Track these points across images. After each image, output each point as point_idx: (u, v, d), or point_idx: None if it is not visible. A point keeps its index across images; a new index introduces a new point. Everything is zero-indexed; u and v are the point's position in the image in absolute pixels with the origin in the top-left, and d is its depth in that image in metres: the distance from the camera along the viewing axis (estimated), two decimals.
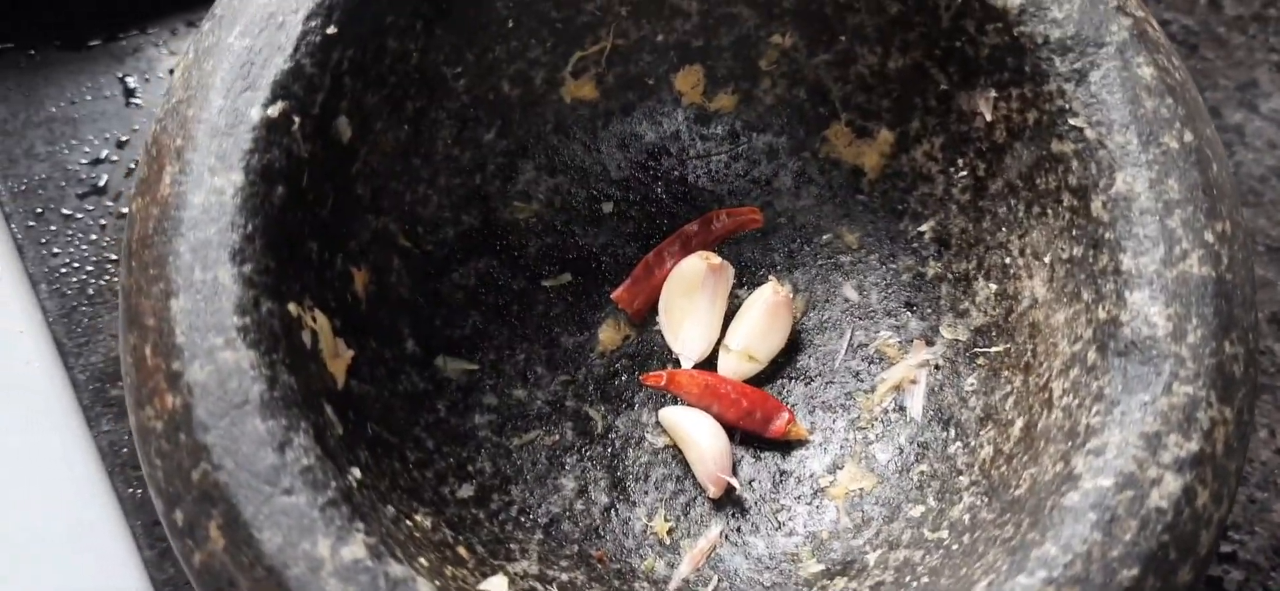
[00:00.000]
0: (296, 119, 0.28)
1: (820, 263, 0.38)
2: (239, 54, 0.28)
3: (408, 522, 0.29)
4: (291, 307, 0.28)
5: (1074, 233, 0.30)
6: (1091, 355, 0.29)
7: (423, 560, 0.28)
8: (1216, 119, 0.49)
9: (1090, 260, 0.30)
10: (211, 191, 0.27)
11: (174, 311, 0.26)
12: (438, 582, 0.27)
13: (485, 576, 0.30)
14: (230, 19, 0.28)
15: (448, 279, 0.36)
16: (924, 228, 0.36)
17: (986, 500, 0.31)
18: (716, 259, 0.36)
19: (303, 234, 0.29)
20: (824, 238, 0.38)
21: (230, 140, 0.27)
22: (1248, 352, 0.28)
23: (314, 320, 0.29)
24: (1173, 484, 0.26)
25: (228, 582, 0.25)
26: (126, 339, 0.27)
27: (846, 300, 0.37)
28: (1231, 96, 0.49)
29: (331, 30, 0.29)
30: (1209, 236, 0.28)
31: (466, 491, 0.33)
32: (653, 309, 0.37)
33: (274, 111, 0.28)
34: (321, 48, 0.28)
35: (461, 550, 0.31)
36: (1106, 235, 0.29)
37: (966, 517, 0.31)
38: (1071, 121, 0.30)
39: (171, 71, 0.47)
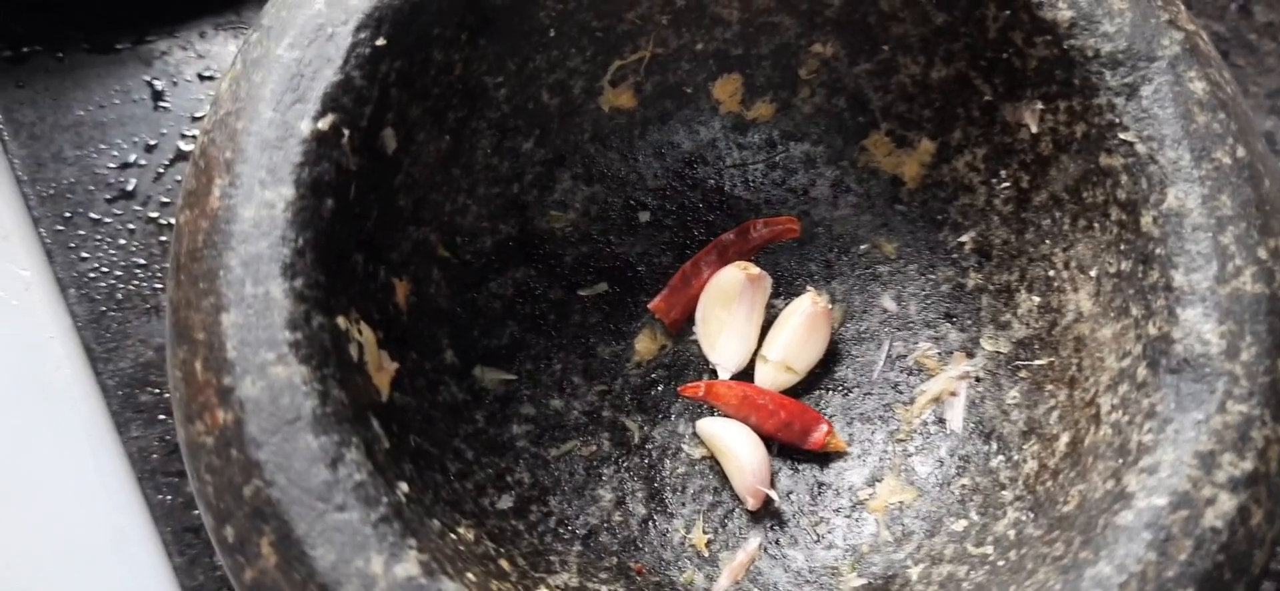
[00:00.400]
0: (346, 131, 0.28)
1: (858, 273, 0.38)
2: (288, 66, 0.28)
3: (452, 536, 0.29)
4: (340, 321, 0.28)
5: (1123, 247, 0.30)
6: (1141, 371, 0.29)
7: (470, 575, 0.27)
8: None
9: (1140, 275, 0.30)
10: (262, 205, 0.27)
11: (225, 326, 0.26)
12: None
13: (528, 590, 0.30)
14: (279, 30, 0.28)
15: (485, 289, 0.36)
16: (964, 238, 0.36)
17: (1032, 516, 0.31)
18: (754, 269, 0.36)
19: (349, 246, 0.29)
20: (862, 247, 0.38)
21: (280, 153, 0.27)
22: None
23: (360, 333, 0.29)
24: (1227, 503, 0.26)
25: None
26: (175, 352, 0.27)
27: (885, 311, 0.37)
28: (1262, 103, 0.49)
29: (381, 42, 0.28)
30: (1262, 253, 0.28)
31: (506, 502, 0.33)
32: (689, 319, 0.37)
33: (324, 124, 0.27)
34: (371, 60, 0.28)
35: (504, 563, 0.30)
36: (1157, 250, 0.29)
37: (1012, 533, 0.31)
38: (1122, 136, 0.30)
39: (201, 76, 0.46)
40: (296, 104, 0.27)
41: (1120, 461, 0.28)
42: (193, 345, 0.26)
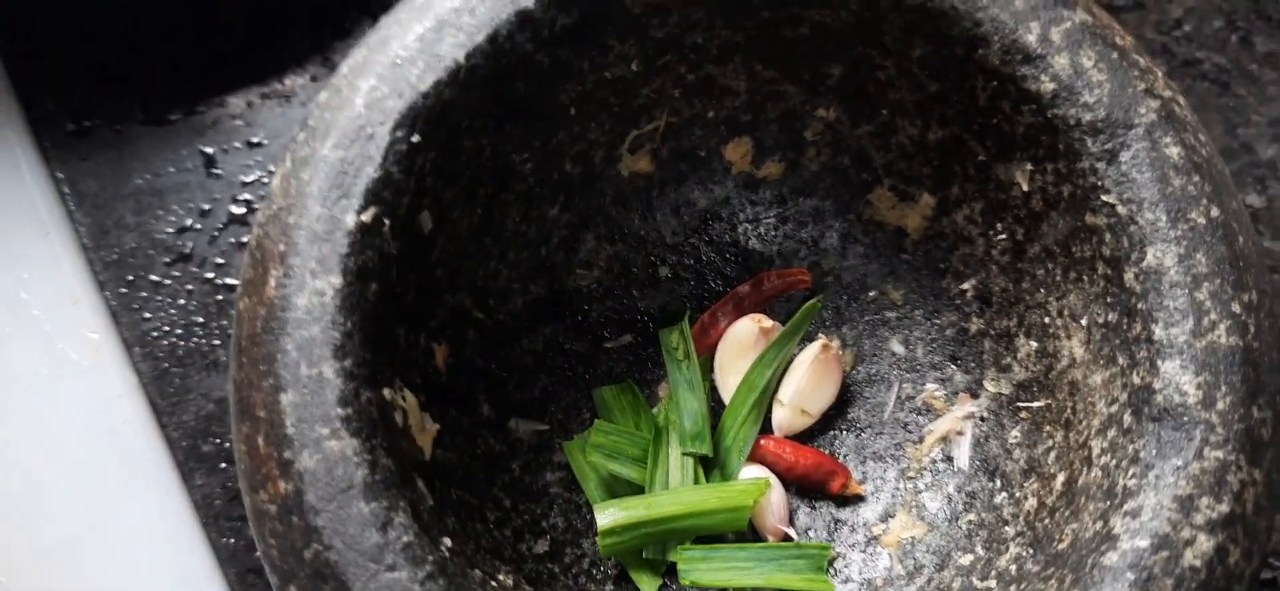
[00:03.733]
0: (386, 221, 0.31)
1: (867, 318, 0.40)
2: (333, 164, 0.30)
3: (493, 584, 0.32)
4: (386, 392, 0.31)
5: (1109, 300, 0.32)
6: (1127, 418, 0.31)
7: None
8: (1249, 154, 0.50)
9: (1124, 327, 0.32)
10: (313, 293, 0.29)
11: (283, 405, 0.29)
12: None
13: None
14: (323, 131, 0.31)
15: (518, 346, 0.38)
16: (966, 285, 0.38)
17: (1032, 551, 0.33)
18: (768, 322, 0.39)
19: (392, 322, 0.32)
20: (870, 294, 0.40)
21: (328, 245, 0.30)
22: (1275, 416, 0.30)
23: (403, 400, 0.32)
24: (1206, 544, 0.28)
25: None
26: (239, 428, 0.30)
27: (893, 354, 0.39)
28: (1264, 132, 0.51)
29: (416, 139, 0.31)
30: (1236, 307, 0.30)
31: (542, 546, 0.36)
32: (709, 367, 0.40)
33: (367, 217, 0.30)
34: (407, 155, 0.31)
35: None
36: (1139, 305, 0.31)
37: (1013, 568, 0.33)
38: (1104, 198, 0.32)
39: (248, 143, 0.50)
40: (342, 199, 0.30)
41: (1108, 503, 0.30)
42: (255, 421, 0.29)
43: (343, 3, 0.52)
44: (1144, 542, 0.28)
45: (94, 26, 0.50)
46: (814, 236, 0.40)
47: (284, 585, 0.29)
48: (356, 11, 0.52)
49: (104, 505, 0.42)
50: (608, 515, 0.35)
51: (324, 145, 0.31)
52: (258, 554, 0.42)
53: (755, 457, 0.38)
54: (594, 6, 0.33)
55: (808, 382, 0.38)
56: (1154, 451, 0.30)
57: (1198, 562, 0.28)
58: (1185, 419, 0.29)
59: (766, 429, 0.39)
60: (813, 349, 0.39)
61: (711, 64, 0.37)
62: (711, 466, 0.38)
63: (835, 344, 0.39)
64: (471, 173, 0.34)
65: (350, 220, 0.30)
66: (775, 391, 0.39)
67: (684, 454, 0.37)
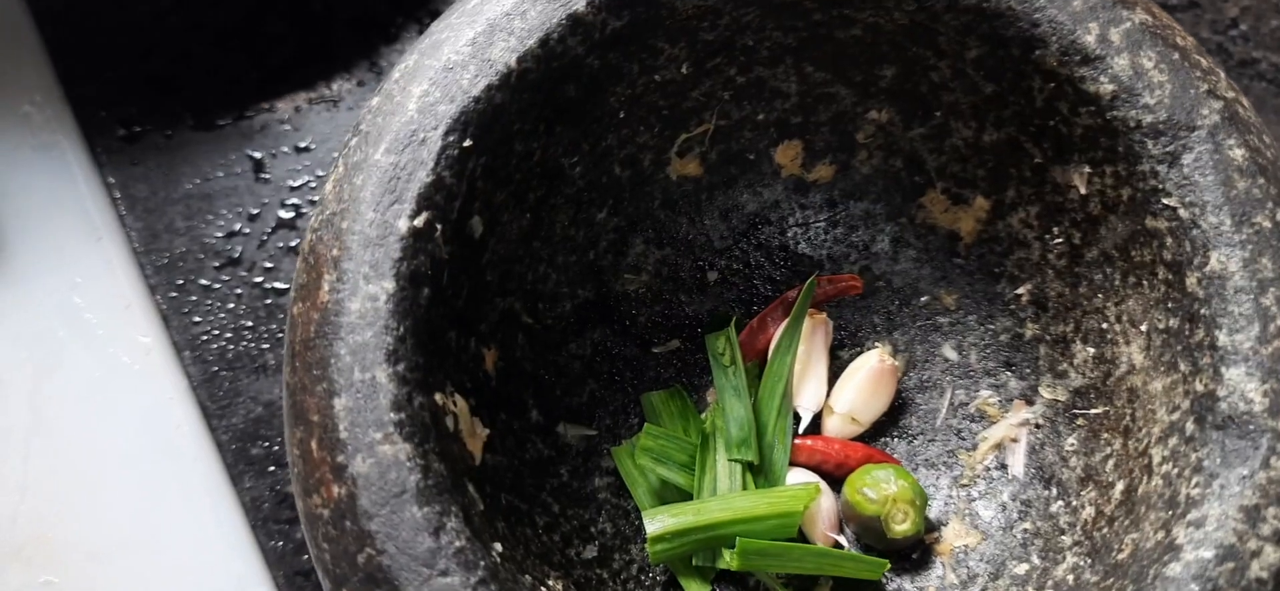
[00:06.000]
0: (438, 226, 0.31)
1: (919, 324, 0.39)
2: (386, 170, 0.30)
3: (543, 589, 0.32)
4: (438, 397, 0.31)
5: (1170, 305, 0.32)
6: (1189, 426, 0.30)
7: None
8: None
9: (1186, 333, 0.31)
10: (366, 298, 0.29)
11: (337, 409, 0.29)
12: None
13: None
14: (376, 136, 0.31)
15: (566, 350, 0.38)
16: (1021, 290, 0.38)
17: (1090, 561, 0.32)
18: (818, 313, 0.38)
19: (444, 326, 0.32)
20: (922, 299, 0.39)
21: (381, 250, 0.30)
22: None
23: (454, 404, 0.32)
24: (1272, 555, 0.28)
25: None
26: (293, 432, 0.30)
27: (946, 360, 0.39)
28: None
29: (467, 143, 0.31)
30: None
31: (590, 552, 0.36)
32: (758, 373, 0.39)
33: (420, 222, 0.30)
34: (459, 160, 0.31)
35: None
36: (1202, 311, 0.30)
37: (1070, 578, 0.32)
38: (1165, 201, 0.31)
39: (297, 148, 0.50)
40: (394, 205, 0.30)
41: (1170, 513, 0.30)
42: (309, 426, 0.29)
43: (389, 9, 0.52)
44: (1208, 553, 0.28)
45: (145, 36, 0.51)
46: (865, 240, 0.40)
47: (337, 589, 0.29)
48: (403, 18, 0.52)
49: (155, 507, 0.43)
50: (657, 522, 0.34)
51: (376, 150, 0.31)
52: (307, 557, 0.42)
53: (804, 458, 0.38)
54: (644, 10, 0.33)
55: (861, 393, 0.38)
56: (1218, 460, 0.29)
57: (1265, 574, 0.27)
58: (1251, 427, 0.29)
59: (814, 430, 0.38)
60: (869, 358, 0.38)
61: (762, 66, 0.37)
62: (758, 470, 0.38)
63: (889, 352, 0.39)
64: (522, 176, 0.34)
65: (403, 225, 0.30)
66: (828, 396, 0.39)
67: (730, 460, 0.37)
